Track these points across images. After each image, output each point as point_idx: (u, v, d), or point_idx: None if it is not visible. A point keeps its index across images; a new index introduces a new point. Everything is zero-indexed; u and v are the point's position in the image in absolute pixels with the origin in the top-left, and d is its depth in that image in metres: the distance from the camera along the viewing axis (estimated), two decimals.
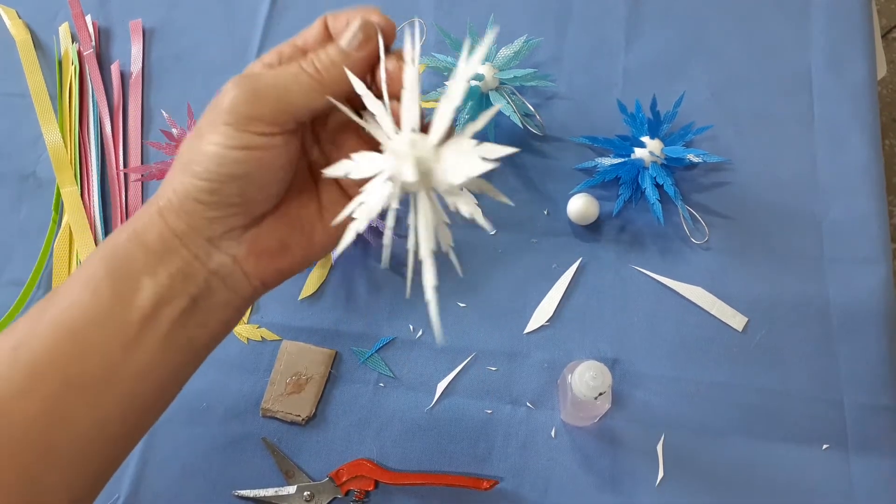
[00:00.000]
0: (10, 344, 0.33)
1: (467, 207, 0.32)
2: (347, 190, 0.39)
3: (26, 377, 0.33)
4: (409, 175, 0.31)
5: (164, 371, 0.36)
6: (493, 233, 0.60)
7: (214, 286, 0.35)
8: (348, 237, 0.33)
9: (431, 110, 0.62)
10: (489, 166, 0.31)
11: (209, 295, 0.35)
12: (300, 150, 0.37)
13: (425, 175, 0.32)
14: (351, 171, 0.34)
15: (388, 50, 0.35)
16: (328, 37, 0.36)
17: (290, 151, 0.35)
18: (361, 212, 0.33)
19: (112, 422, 0.34)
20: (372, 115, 0.34)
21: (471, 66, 0.31)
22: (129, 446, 0.37)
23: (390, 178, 0.32)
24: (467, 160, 0.31)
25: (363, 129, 0.36)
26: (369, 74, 0.35)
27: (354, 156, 0.34)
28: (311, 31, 0.36)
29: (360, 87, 0.33)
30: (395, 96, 0.34)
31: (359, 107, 0.35)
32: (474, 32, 0.61)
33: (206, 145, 0.33)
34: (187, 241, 0.34)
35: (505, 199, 0.34)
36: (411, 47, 0.33)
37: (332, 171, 0.34)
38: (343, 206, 0.39)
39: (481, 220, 0.32)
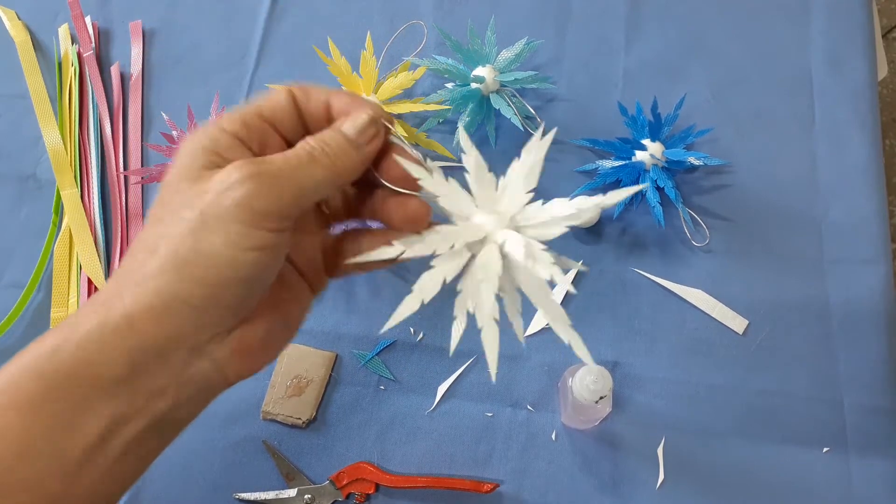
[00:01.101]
0: None
1: (546, 270, 0.31)
2: (302, 270, 0.35)
3: None
4: (517, 249, 0.31)
5: (115, 489, 0.31)
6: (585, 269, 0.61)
7: (186, 396, 0.30)
8: (406, 311, 0.32)
9: (431, 113, 0.62)
10: (574, 222, 0.32)
11: (177, 408, 0.30)
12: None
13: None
14: (413, 250, 0.32)
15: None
16: (299, 112, 0.33)
17: (288, 245, 0.31)
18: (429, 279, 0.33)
19: None
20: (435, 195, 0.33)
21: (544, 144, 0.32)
22: None
23: (467, 247, 0.32)
24: (551, 223, 0.32)
25: (325, 206, 0.35)
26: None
27: (425, 233, 0.32)
28: (277, 103, 0.32)
29: (415, 169, 0.32)
30: (398, 184, 0.33)
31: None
32: (475, 34, 0.61)
33: (214, 246, 0.28)
34: (166, 354, 0.29)
35: (582, 268, 0.33)
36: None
37: (367, 257, 0.32)
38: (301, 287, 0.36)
39: (560, 276, 0.31)
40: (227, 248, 0.28)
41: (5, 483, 0.27)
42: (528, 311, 0.58)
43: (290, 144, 0.32)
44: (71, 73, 0.68)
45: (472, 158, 0.33)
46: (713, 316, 0.57)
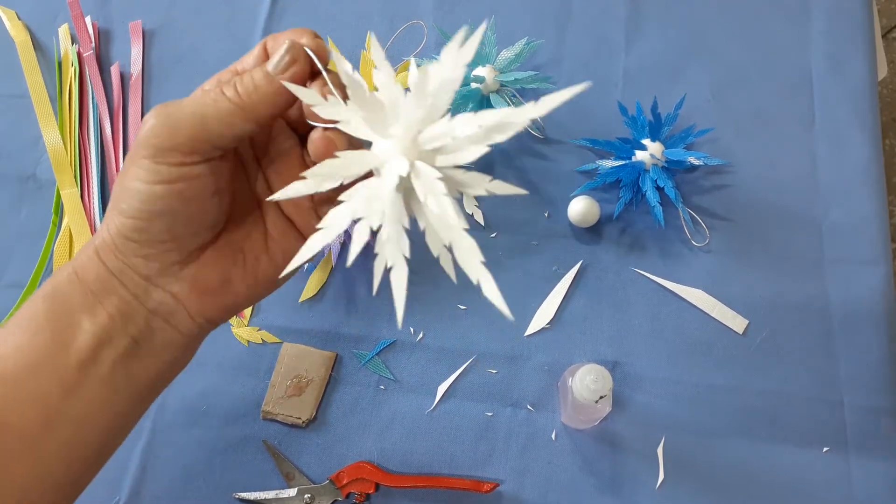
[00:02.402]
0: None
1: (477, 188, 0.30)
2: (293, 219, 0.37)
3: None
4: (403, 167, 0.29)
5: (108, 415, 0.34)
6: (493, 235, 0.60)
7: (156, 326, 0.34)
8: (306, 253, 0.30)
9: None
10: (488, 141, 0.29)
11: (151, 335, 0.34)
12: (234, 178, 0.35)
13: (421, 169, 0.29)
14: (321, 182, 0.31)
15: (320, 72, 0.32)
16: (266, 60, 0.34)
17: (218, 181, 0.33)
18: (335, 219, 0.30)
19: (54, 470, 0.33)
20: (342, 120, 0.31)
21: (462, 56, 0.29)
22: (75, 494, 0.36)
23: (383, 174, 0.30)
24: (469, 143, 0.29)
25: (306, 155, 0.33)
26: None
27: (339, 154, 0.31)
28: (251, 56, 0.34)
29: (348, 74, 0.30)
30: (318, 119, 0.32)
31: (304, 130, 0.33)
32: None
33: (128, 181, 0.32)
34: (124, 279, 0.33)
35: (518, 190, 0.30)
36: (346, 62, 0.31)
37: (283, 194, 0.31)
38: (289, 236, 0.37)
39: (451, 207, 0.29)
40: (138, 182, 0.31)
41: (16, 394, 0.32)
42: (528, 311, 0.59)
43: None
44: (71, 73, 0.68)
45: (345, 76, 0.30)
46: (713, 316, 0.57)
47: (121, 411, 0.35)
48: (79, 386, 0.33)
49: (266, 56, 0.34)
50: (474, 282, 0.29)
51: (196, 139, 0.31)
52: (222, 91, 0.32)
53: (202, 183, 0.32)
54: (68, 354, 0.33)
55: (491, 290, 0.28)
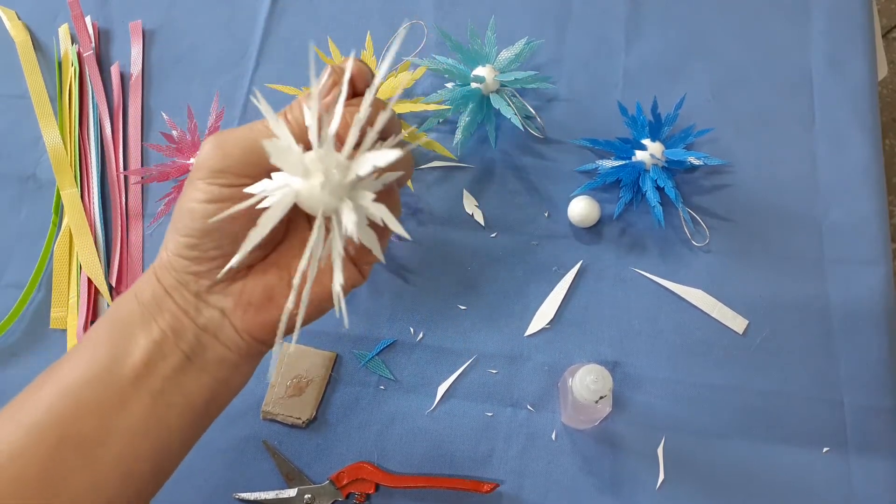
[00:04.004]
0: (14, 408, 0.34)
1: (378, 212, 0.32)
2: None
3: (24, 437, 0.33)
4: (314, 188, 0.31)
5: (161, 430, 0.35)
6: (493, 235, 0.60)
7: (206, 342, 0.36)
8: (244, 249, 0.32)
9: (431, 113, 0.62)
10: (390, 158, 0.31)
11: (201, 351, 0.36)
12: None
13: (337, 188, 0.32)
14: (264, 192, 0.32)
15: (358, 93, 0.35)
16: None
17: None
18: (260, 224, 0.32)
19: (109, 484, 0.34)
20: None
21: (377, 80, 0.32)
22: None
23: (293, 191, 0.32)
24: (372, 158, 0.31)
25: None
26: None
27: (274, 175, 0.33)
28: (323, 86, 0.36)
29: (266, 110, 0.32)
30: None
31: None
32: (475, 34, 0.61)
33: (185, 202, 0.34)
34: (176, 296, 0.35)
35: (403, 233, 0.33)
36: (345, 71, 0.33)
37: (251, 190, 0.33)
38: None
39: (396, 226, 0.32)
40: (193, 202, 0.33)
41: (75, 406, 0.33)
42: (528, 311, 0.59)
43: None
44: (71, 73, 0.68)
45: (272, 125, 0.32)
46: (713, 316, 0.57)
47: (175, 427, 0.36)
48: (133, 399, 0.34)
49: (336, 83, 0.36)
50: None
51: (246, 162, 0.33)
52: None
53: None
54: (123, 367, 0.34)
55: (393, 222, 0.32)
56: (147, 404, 0.34)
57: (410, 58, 0.63)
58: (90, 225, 0.63)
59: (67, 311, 0.61)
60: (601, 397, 0.47)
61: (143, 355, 0.34)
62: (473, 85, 0.60)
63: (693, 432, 0.55)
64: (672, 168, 0.59)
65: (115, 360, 0.34)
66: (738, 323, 0.57)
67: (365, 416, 0.56)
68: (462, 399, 0.57)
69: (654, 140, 0.59)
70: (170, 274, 0.35)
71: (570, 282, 0.59)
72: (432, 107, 0.60)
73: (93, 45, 0.69)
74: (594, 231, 0.60)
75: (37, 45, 0.71)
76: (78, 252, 0.62)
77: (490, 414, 0.56)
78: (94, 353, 0.35)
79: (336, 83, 0.35)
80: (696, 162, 0.59)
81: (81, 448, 0.33)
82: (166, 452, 0.36)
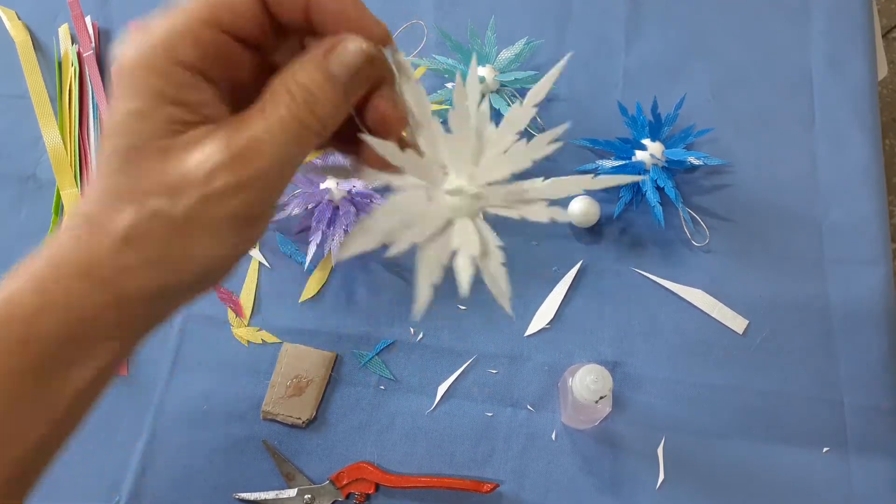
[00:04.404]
0: None
1: (540, 211, 0.32)
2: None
3: None
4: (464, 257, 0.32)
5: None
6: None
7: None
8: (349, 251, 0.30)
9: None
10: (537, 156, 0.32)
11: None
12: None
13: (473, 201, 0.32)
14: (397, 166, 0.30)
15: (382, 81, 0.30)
16: (266, 8, 0.28)
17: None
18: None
19: None
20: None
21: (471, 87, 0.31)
22: None
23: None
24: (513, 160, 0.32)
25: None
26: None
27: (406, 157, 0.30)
28: (236, 4, 0.27)
29: (392, 154, 0.29)
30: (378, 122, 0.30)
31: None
32: (475, 34, 0.61)
33: (207, 249, 0.27)
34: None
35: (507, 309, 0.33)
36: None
37: (379, 147, 0.29)
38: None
39: (561, 216, 0.32)
40: (220, 249, 0.27)
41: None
42: (529, 311, 0.58)
43: (257, 50, 0.29)
44: (71, 73, 0.68)
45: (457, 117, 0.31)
46: (713, 316, 0.57)
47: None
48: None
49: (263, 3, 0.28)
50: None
51: (284, 190, 0.30)
52: (299, 119, 0.27)
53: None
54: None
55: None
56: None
57: (410, 58, 0.63)
58: None
59: None
60: (601, 397, 0.47)
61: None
62: None
63: (693, 432, 0.55)
64: (672, 168, 0.59)
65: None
66: (738, 323, 0.57)
67: (365, 416, 0.56)
68: (462, 399, 0.57)
69: (654, 140, 0.59)
70: (150, 309, 0.28)
71: (570, 282, 0.59)
72: (432, 107, 0.60)
73: (93, 45, 0.69)
74: (594, 231, 0.60)
75: (37, 45, 0.71)
76: None
77: (490, 414, 0.56)
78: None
79: (370, 77, 0.29)
80: (696, 162, 0.59)
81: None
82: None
